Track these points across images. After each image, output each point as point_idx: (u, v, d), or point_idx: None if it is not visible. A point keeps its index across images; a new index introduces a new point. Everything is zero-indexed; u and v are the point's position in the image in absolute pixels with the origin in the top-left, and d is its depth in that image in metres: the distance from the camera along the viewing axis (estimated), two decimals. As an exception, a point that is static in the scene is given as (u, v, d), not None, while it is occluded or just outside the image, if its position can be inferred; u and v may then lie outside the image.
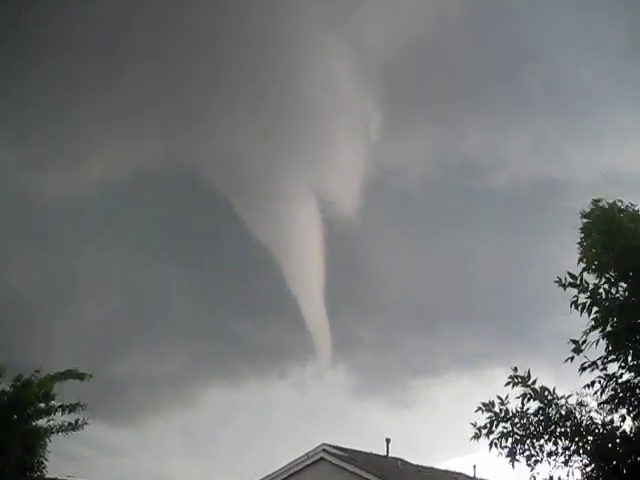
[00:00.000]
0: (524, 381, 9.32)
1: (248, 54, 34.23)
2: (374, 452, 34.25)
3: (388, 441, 34.24)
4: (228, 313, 53.89)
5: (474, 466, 41.05)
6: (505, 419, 9.41)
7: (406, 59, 36.37)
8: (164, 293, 53.97)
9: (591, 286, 9.10)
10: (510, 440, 9.35)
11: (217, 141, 39.46)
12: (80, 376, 23.62)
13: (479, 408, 9.62)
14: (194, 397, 60.35)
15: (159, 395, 57.76)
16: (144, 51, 33.71)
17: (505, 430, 9.42)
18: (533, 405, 9.34)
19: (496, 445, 9.46)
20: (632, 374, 8.87)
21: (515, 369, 9.47)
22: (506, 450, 9.40)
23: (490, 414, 9.47)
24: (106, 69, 33.58)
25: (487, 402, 9.59)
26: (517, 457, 9.36)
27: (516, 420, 9.33)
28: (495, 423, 9.42)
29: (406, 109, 40.93)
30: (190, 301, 54.47)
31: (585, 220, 9.55)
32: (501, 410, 9.43)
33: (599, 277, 9.25)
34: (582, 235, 9.59)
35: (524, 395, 9.37)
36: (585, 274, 9.18)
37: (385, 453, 34.20)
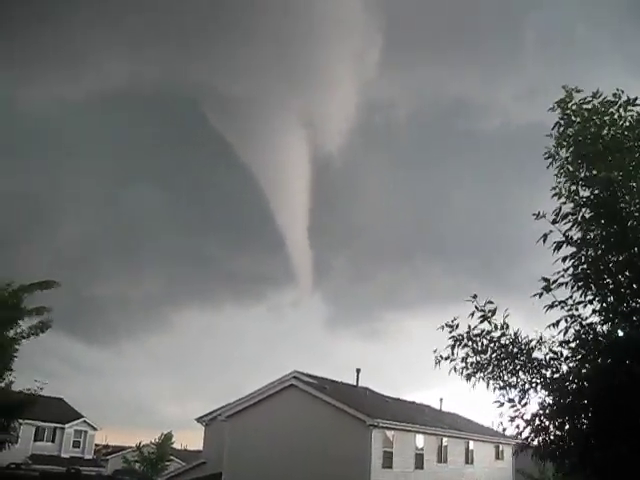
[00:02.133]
0: (486, 314, 9.53)
1: None
2: (344, 381, 35.14)
3: (358, 371, 35.17)
4: (208, 237, 53.84)
5: (440, 399, 42.40)
6: (466, 345, 9.68)
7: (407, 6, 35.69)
8: (145, 215, 53.58)
9: (566, 224, 9.20)
10: (470, 366, 9.65)
11: (209, 65, 38.69)
12: (47, 285, 23.81)
13: (440, 327, 9.86)
14: (170, 320, 60.90)
15: (136, 317, 58.28)
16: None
17: (465, 355, 9.70)
18: (496, 336, 9.57)
19: (455, 370, 9.75)
20: (597, 318, 9.08)
21: (474, 296, 9.60)
22: (466, 375, 9.70)
23: (452, 337, 9.74)
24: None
25: (450, 322, 9.81)
26: (476, 382, 9.68)
27: (478, 347, 9.59)
28: (458, 345, 9.70)
29: (404, 47, 40.41)
30: (171, 224, 54.28)
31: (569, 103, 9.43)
32: (464, 336, 9.68)
33: (571, 182, 9.27)
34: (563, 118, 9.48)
35: (482, 318, 9.57)
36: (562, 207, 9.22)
37: (355, 383, 35.11)
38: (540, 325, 9.39)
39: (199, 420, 37.63)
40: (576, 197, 9.20)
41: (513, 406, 9.47)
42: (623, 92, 9.10)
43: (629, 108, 9.06)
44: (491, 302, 9.56)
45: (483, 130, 44.68)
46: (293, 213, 40.61)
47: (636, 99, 9.00)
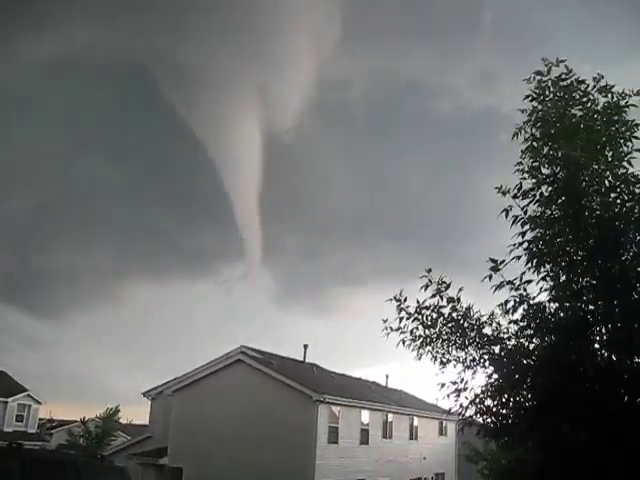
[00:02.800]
0: (440, 288, 9.54)
1: None
2: (292, 357, 35.17)
3: (305, 347, 35.25)
4: (159, 210, 52.95)
5: (386, 376, 42.90)
6: (416, 319, 9.67)
7: None
8: (97, 185, 52.29)
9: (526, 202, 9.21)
10: (418, 339, 9.66)
11: (165, 35, 37.77)
12: None
13: (389, 299, 9.84)
14: (119, 292, 59.98)
15: (84, 289, 57.19)
16: None
17: (414, 329, 9.69)
18: (446, 311, 9.58)
19: (404, 343, 9.74)
20: (546, 297, 9.16)
21: (429, 270, 9.60)
22: (414, 348, 9.71)
23: (402, 310, 9.72)
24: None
25: (399, 296, 9.80)
26: (423, 355, 9.71)
27: (427, 322, 9.60)
28: (407, 318, 9.69)
29: (360, 26, 40.17)
30: (123, 195, 53.21)
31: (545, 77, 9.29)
32: (414, 309, 9.68)
33: (539, 156, 9.22)
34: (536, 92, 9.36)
35: (436, 292, 9.56)
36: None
37: (302, 359, 35.18)
38: (491, 305, 9.45)
39: (145, 394, 37.21)
40: (539, 175, 9.18)
41: (455, 385, 9.52)
42: (603, 77, 9.08)
43: (603, 94, 9.05)
44: (444, 280, 9.56)
45: (437, 112, 45.01)
46: (245, 188, 40.26)
47: (613, 86, 8.99)
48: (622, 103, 8.92)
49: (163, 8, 35.06)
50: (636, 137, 8.84)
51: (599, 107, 9.07)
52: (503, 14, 37.38)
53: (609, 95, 9.03)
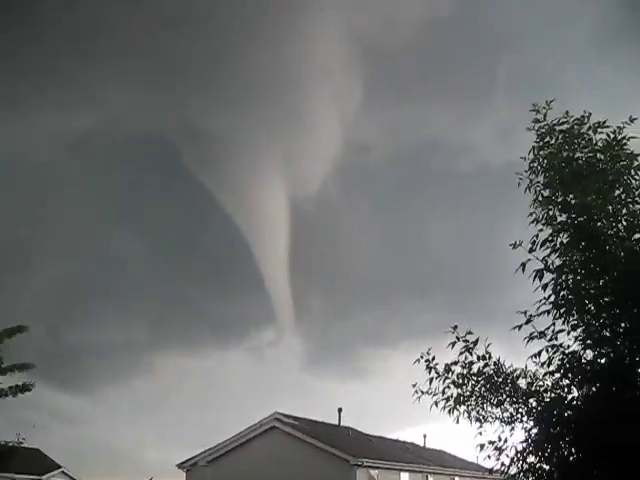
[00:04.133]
0: (468, 345, 9.38)
1: (229, 21, 33.55)
2: (326, 421, 34.64)
3: (340, 410, 34.73)
4: (188, 280, 53.49)
5: (424, 435, 41.94)
6: (446, 377, 9.47)
7: (389, 45, 36.46)
8: (126, 258, 53.18)
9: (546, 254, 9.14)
10: (451, 399, 9.44)
11: (188, 108, 38.82)
12: (15, 331, 23.28)
13: (417, 360, 9.66)
14: (150, 364, 60.00)
15: (116, 362, 57.27)
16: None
17: (445, 389, 9.48)
18: (476, 368, 9.40)
19: (437, 404, 9.50)
20: (579, 345, 8.97)
21: (455, 326, 9.45)
22: (448, 409, 9.49)
23: (432, 370, 9.54)
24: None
25: (426, 354, 9.62)
26: (459, 415, 9.47)
27: (458, 380, 9.41)
28: (436, 378, 9.51)
29: (382, 90, 41.10)
30: (152, 268, 53.89)
31: (542, 123, 9.38)
32: (443, 368, 9.50)
33: (553, 194, 9.19)
34: (538, 140, 9.41)
35: (465, 349, 9.39)
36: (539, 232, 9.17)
37: (337, 422, 34.63)
38: (523, 356, 9.27)
39: (180, 466, 36.69)
40: (553, 222, 9.13)
41: (494, 444, 9.26)
42: (590, 114, 9.15)
43: (599, 130, 9.08)
44: (471, 332, 9.43)
45: (458, 170, 45.32)
46: (273, 253, 40.54)
47: (605, 122, 9.04)
48: (619, 137, 8.90)
49: (190, 79, 36.10)
50: None
51: (599, 145, 9.06)
52: (517, 68, 37.98)
53: (604, 131, 9.02)
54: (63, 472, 50.59)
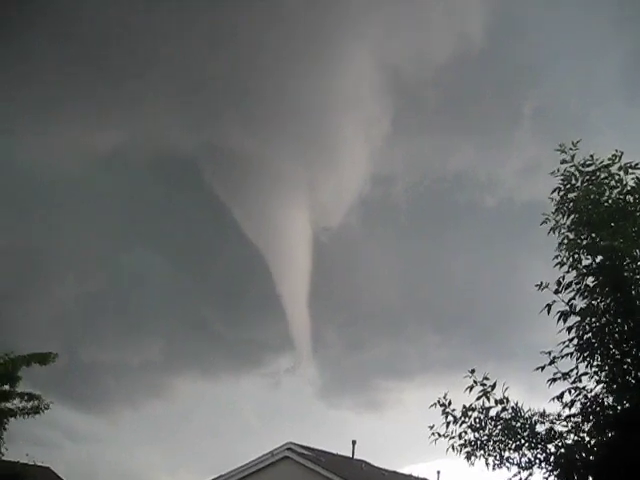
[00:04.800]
0: (486, 389, 9.19)
1: (254, 46, 34.00)
2: (340, 453, 34.17)
3: (354, 443, 34.17)
4: (206, 302, 53.54)
5: (438, 472, 41.22)
6: (464, 422, 9.30)
7: (418, 76, 36.77)
8: (144, 277, 53.41)
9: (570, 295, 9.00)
10: (469, 444, 9.25)
11: (212, 130, 39.17)
12: (44, 358, 23.12)
13: (433, 404, 9.46)
14: (165, 386, 59.84)
15: (131, 382, 57.16)
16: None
17: (462, 433, 9.31)
18: (494, 411, 9.21)
19: (453, 448, 9.33)
20: (602, 389, 8.79)
21: (472, 370, 9.27)
22: (465, 453, 9.30)
23: (448, 415, 9.38)
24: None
25: (442, 399, 9.44)
26: (475, 461, 9.28)
27: (476, 424, 9.22)
28: (453, 423, 9.32)
29: (409, 121, 41.29)
30: (169, 287, 54.03)
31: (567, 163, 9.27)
32: (461, 413, 9.31)
33: (577, 237, 9.04)
34: (564, 181, 9.29)
35: (482, 393, 9.20)
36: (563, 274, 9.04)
37: (350, 455, 34.15)
38: (543, 396, 9.11)
39: (190, 493, 36.43)
40: (579, 265, 8.97)
41: None
42: (622, 154, 8.99)
43: (630, 171, 8.91)
44: (487, 378, 9.23)
45: (483, 203, 45.16)
46: (293, 280, 40.46)
47: (638, 164, 8.85)
48: None
49: (219, 101, 36.48)
50: None
51: (628, 187, 8.89)
52: (543, 104, 37.97)
53: (635, 173, 8.85)
54: (72, 493, 50.42)
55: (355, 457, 34.44)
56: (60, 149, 39.15)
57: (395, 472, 37.12)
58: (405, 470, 39.59)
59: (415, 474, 39.56)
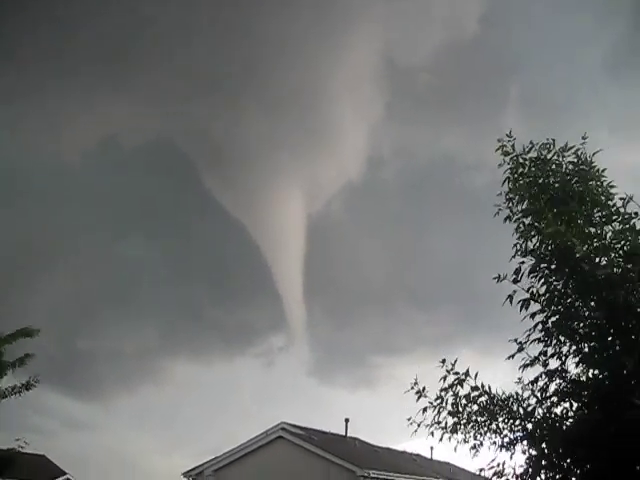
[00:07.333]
0: (460, 377, 9.29)
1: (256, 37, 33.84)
2: (333, 432, 34.53)
3: (347, 421, 34.61)
4: (200, 288, 53.69)
5: (431, 447, 41.69)
6: (442, 407, 9.38)
7: (412, 62, 36.88)
8: (138, 265, 53.46)
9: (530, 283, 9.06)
10: (447, 428, 9.38)
11: (209, 122, 39.03)
12: (29, 333, 22.98)
13: (407, 391, 9.61)
14: (160, 371, 60.09)
15: (126, 369, 57.41)
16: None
17: (438, 417, 9.41)
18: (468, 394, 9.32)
19: (433, 435, 9.48)
20: (581, 368, 8.90)
21: (443, 360, 9.37)
22: (444, 437, 9.43)
23: (418, 394, 9.49)
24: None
25: (414, 384, 9.54)
26: (457, 443, 9.46)
27: (453, 409, 9.34)
28: (429, 408, 9.43)
29: (402, 105, 41.40)
30: (163, 275, 54.13)
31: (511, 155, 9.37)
32: (435, 396, 9.43)
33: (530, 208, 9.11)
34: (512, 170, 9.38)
35: (457, 381, 9.31)
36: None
37: (344, 433, 34.51)
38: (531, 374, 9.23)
39: (185, 475, 36.64)
40: (538, 252, 9.03)
41: (492, 469, 9.20)
42: (554, 141, 9.14)
43: (564, 154, 9.06)
44: (453, 364, 9.33)
45: (471, 186, 45.46)
46: (286, 261, 40.63)
47: (572, 147, 9.02)
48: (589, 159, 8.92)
49: (211, 91, 36.32)
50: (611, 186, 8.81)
51: (569, 169, 9.05)
52: (528, 92, 38.35)
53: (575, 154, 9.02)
54: (68, 479, 50.65)
55: (348, 435, 34.81)
56: (55, 143, 39.03)
57: (388, 448, 37.56)
58: (399, 447, 40.07)
59: (409, 450, 40.05)
